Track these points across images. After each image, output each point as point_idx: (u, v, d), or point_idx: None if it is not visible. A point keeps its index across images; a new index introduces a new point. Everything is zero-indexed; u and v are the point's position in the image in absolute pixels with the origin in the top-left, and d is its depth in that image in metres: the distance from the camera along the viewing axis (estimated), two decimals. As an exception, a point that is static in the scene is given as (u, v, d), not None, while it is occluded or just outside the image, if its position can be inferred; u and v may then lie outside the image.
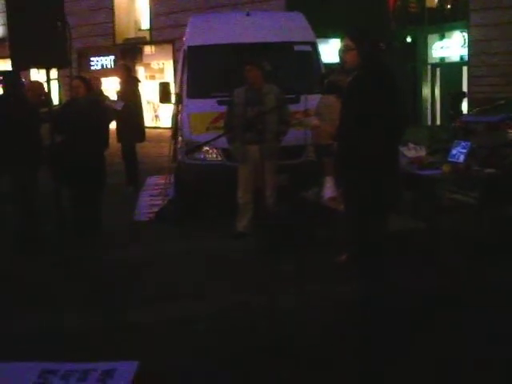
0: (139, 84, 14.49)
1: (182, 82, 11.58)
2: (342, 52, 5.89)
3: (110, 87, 19.29)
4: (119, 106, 13.07)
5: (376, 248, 5.81)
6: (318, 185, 8.92)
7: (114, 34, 33.36)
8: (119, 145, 13.78)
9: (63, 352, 5.87)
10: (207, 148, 10.24)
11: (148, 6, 32.27)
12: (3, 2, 8.86)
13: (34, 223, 9.33)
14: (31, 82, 10.91)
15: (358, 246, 5.99)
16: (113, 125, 11.78)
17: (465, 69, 24.45)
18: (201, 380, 5.30)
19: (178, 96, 11.65)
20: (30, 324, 6.53)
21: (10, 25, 8.52)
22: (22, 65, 8.88)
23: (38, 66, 9.69)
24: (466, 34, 24.08)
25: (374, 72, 5.77)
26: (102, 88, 14.14)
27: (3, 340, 6.17)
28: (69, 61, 8.68)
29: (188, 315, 6.64)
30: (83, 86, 9.66)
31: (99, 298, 7.24)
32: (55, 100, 26.88)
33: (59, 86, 30.89)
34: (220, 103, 10.31)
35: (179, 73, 12.14)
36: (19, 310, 6.98)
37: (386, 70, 5.92)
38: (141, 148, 14.59)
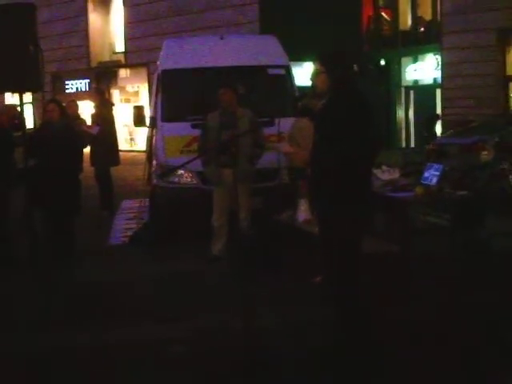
0: (113, 107, 14.51)
1: (156, 105, 11.58)
2: (313, 76, 5.92)
3: (86, 111, 19.26)
4: (95, 131, 13.03)
5: (350, 272, 5.80)
6: (293, 207, 8.94)
7: (88, 57, 33.36)
8: (93, 168, 13.74)
9: (38, 376, 5.83)
10: (182, 171, 10.23)
11: (123, 29, 32.33)
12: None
13: (6, 246, 9.29)
14: (5, 105, 10.86)
15: (332, 271, 5.97)
16: (86, 148, 11.76)
17: (438, 91, 24.67)
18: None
19: (153, 119, 11.65)
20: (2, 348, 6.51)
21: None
22: (-6, 89, 8.87)
23: (11, 91, 9.67)
24: (439, 57, 24.31)
25: (344, 96, 5.79)
26: (79, 111, 14.10)
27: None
28: (42, 85, 8.65)
29: (163, 338, 6.62)
30: (57, 110, 9.63)
31: (73, 322, 7.18)
32: (30, 123, 26.80)
33: (33, 110, 30.81)
34: (194, 126, 10.32)
35: (153, 96, 12.16)
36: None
37: (357, 94, 5.94)
38: (116, 171, 14.55)
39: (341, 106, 5.68)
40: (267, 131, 9.64)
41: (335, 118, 5.65)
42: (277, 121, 9.20)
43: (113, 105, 14.85)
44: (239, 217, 8.57)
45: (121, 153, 14.48)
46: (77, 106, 14.05)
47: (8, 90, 9.72)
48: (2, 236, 9.38)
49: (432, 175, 8.19)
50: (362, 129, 5.64)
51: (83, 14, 33.30)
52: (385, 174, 8.69)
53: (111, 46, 33.83)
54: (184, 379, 5.70)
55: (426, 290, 7.51)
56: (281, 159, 9.55)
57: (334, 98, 5.77)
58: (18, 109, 9.52)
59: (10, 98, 25.24)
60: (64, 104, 10.82)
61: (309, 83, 6.13)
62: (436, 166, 8.33)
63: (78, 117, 13.37)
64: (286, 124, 9.22)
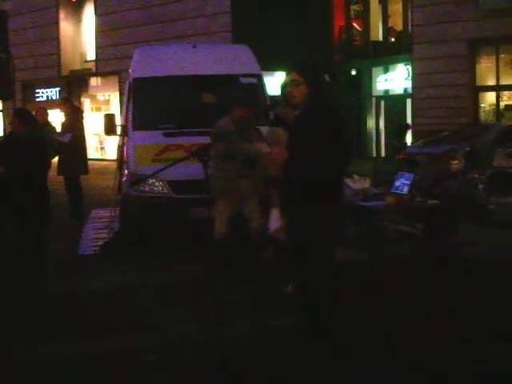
0: (83, 115, 14.39)
1: (127, 113, 11.53)
2: (289, 86, 5.85)
3: (56, 119, 19.14)
4: (66, 138, 12.95)
5: (322, 282, 5.78)
6: (265, 216, 8.91)
7: (59, 66, 33.20)
8: (61, 178, 13.63)
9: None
10: (153, 180, 10.17)
11: (94, 38, 32.21)
12: None
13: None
14: None
15: (303, 279, 5.95)
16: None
17: (409, 101, 24.83)
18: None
19: (124, 128, 11.58)
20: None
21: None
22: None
23: (-19, 98, 9.57)
24: (409, 67, 24.48)
25: (320, 107, 5.76)
26: (49, 119, 13.96)
27: None
28: (12, 93, 8.57)
29: (134, 347, 6.56)
30: (17, 121, 9.59)
31: (43, 333, 7.10)
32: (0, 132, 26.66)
33: (3, 118, 30.56)
34: (166, 135, 10.28)
35: (125, 104, 12.10)
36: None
37: (332, 105, 5.95)
38: (86, 180, 14.46)
39: (315, 117, 5.66)
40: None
41: (309, 129, 5.62)
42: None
43: (82, 112, 14.74)
44: (250, 226, 8.61)
45: (91, 162, 14.39)
46: (46, 113, 13.93)
47: (-23, 98, 9.61)
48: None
49: (403, 184, 8.22)
50: (335, 140, 5.63)
51: (55, 22, 33.14)
52: (356, 184, 8.70)
53: (82, 54, 33.69)
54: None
55: (396, 297, 7.55)
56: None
57: (309, 108, 5.74)
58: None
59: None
60: (34, 112, 10.74)
61: (279, 92, 6.09)
62: (407, 175, 8.36)
63: (47, 124, 13.26)
64: (258, 132, 9.15)
